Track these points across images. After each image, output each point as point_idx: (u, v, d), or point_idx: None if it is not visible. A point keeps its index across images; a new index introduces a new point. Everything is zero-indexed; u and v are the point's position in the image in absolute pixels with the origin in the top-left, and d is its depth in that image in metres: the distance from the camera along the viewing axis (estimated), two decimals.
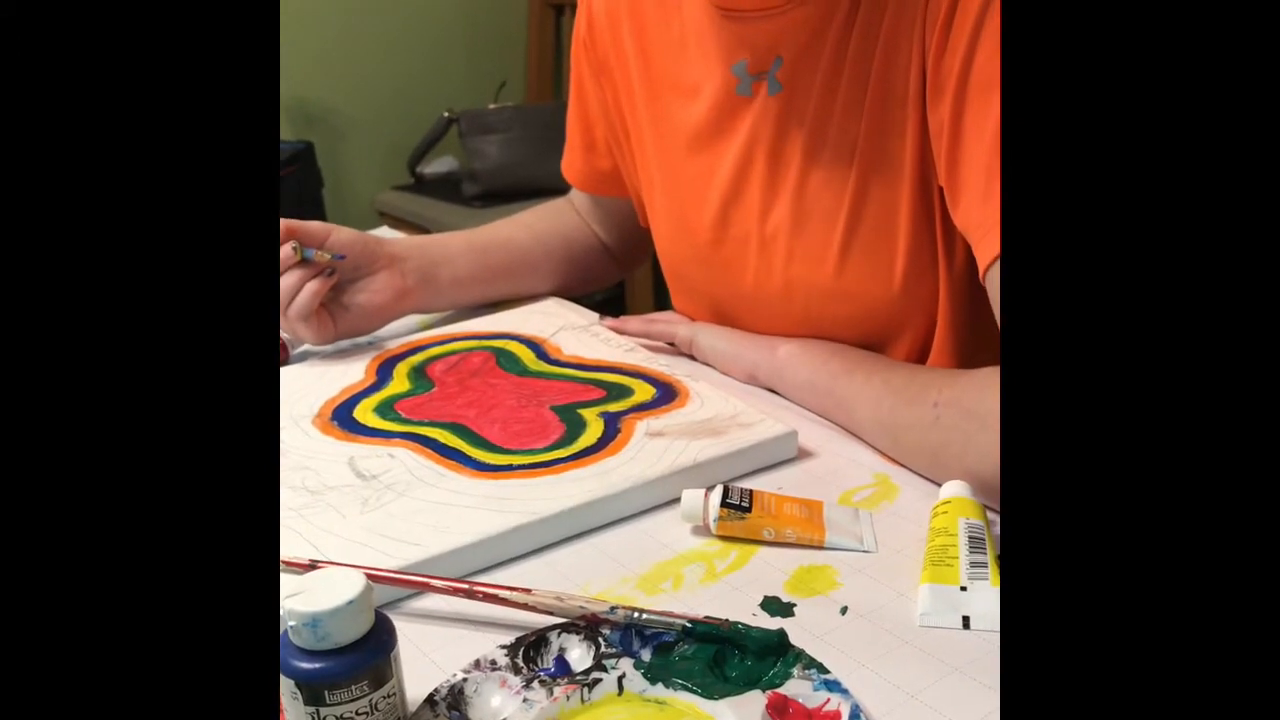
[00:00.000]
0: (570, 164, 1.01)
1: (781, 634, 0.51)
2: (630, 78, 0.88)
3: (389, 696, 0.46)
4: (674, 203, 0.87)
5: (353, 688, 0.45)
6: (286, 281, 0.83)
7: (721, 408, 0.73)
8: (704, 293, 0.88)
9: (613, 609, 0.52)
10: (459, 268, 0.94)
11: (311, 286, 0.84)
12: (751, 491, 0.63)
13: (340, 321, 0.88)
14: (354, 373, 0.83)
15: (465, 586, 0.55)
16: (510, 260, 0.98)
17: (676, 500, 0.63)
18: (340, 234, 0.87)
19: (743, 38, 0.77)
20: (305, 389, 0.80)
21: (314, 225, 0.85)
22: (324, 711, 0.45)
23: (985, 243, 0.65)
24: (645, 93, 0.87)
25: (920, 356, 0.78)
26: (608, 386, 0.78)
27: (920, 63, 0.69)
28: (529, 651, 0.52)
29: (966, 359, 0.76)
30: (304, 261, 0.83)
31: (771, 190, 0.79)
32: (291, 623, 0.45)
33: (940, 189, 0.71)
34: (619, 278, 1.09)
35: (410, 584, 0.56)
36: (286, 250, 0.82)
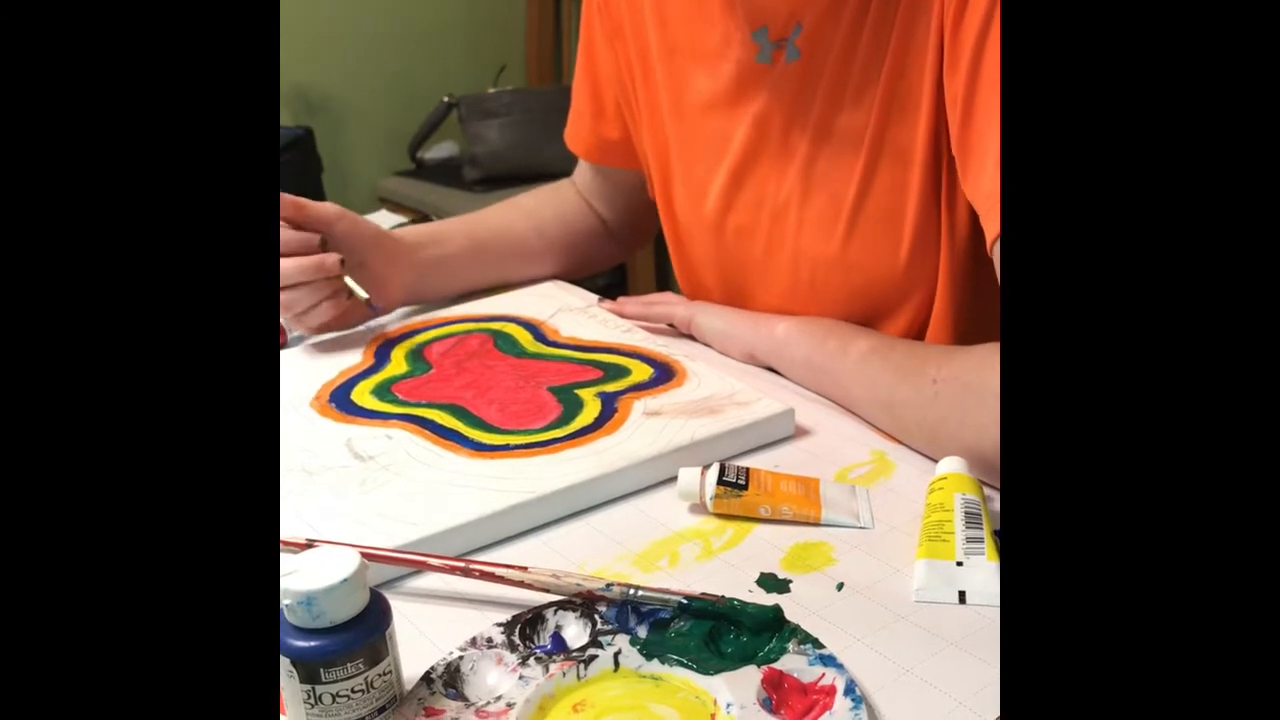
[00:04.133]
0: (575, 132, 1.00)
1: (777, 609, 0.51)
2: (646, 42, 0.87)
3: (385, 674, 0.46)
4: (686, 168, 0.87)
5: (348, 665, 0.45)
6: (303, 295, 0.82)
7: (719, 387, 0.73)
8: (711, 261, 0.88)
9: (609, 586, 0.52)
10: (463, 261, 0.94)
11: (326, 307, 0.84)
12: (748, 469, 0.63)
13: (348, 312, 0.87)
14: (352, 355, 0.83)
15: (462, 565, 0.55)
16: (509, 250, 0.98)
17: (673, 479, 0.63)
18: (357, 224, 0.86)
19: (766, 4, 0.77)
20: (303, 372, 0.80)
21: (324, 207, 0.85)
22: (320, 689, 0.45)
23: (994, 215, 0.64)
24: (662, 57, 0.86)
25: (919, 332, 0.78)
26: (605, 367, 0.78)
27: (939, 33, 0.69)
28: (525, 629, 0.52)
29: (966, 334, 0.76)
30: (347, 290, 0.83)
31: (785, 158, 0.79)
32: (286, 601, 0.45)
33: (951, 161, 0.71)
34: (619, 259, 1.09)
35: (407, 563, 0.56)
36: (332, 261, 0.82)
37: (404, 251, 0.90)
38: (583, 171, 1.04)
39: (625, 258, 1.10)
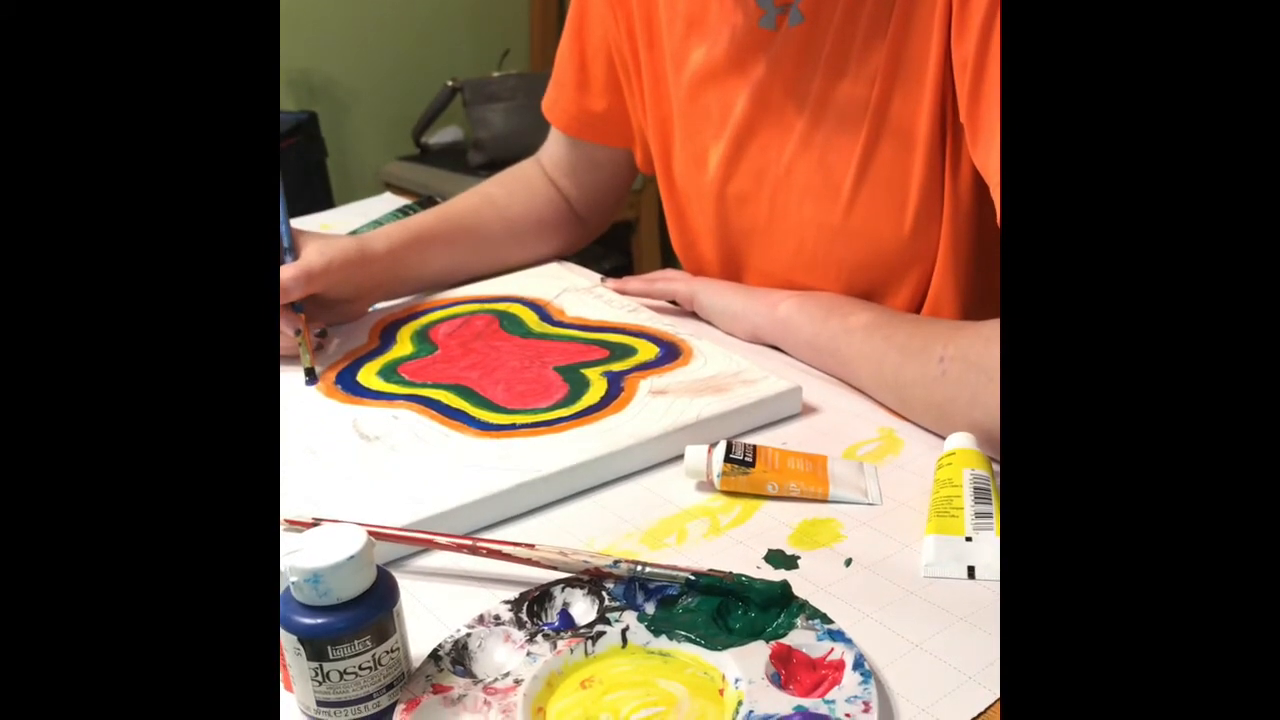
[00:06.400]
0: (556, 103, 0.98)
1: (785, 585, 0.51)
2: (653, 8, 0.87)
3: (392, 651, 0.46)
4: (688, 136, 0.86)
5: (355, 643, 0.45)
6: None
7: (725, 365, 0.73)
8: (711, 231, 0.87)
9: (616, 563, 0.52)
10: (433, 266, 0.92)
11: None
12: (755, 447, 0.62)
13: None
14: (357, 337, 0.83)
15: (469, 543, 0.55)
16: (478, 248, 0.95)
17: (680, 457, 0.63)
18: (313, 260, 0.80)
19: None
20: None
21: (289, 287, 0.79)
22: (327, 667, 0.45)
23: None
24: (666, 25, 0.86)
25: (922, 302, 0.78)
26: (611, 346, 0.78)
27: (946, 1, 0.68)
28: (533, 606, 0.52)
29: (969, 305, 0.76)
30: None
31: (786, 127, 0.79)
32: (293, 579, 0.45)
33: (956, 133, 0.70)
34: (584, 243, 1.05)
35: (415, 541, 0.56)
36: (290, 335, 0.78)
37: (367, 261, 0.86)
38: (555, 145, 1.01)
39: (588, 241, 1.06)
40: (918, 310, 0.78)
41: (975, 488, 0.57)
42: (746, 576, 0.51)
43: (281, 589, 0.46)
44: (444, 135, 2.52)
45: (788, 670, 0.47)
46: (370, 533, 0.47)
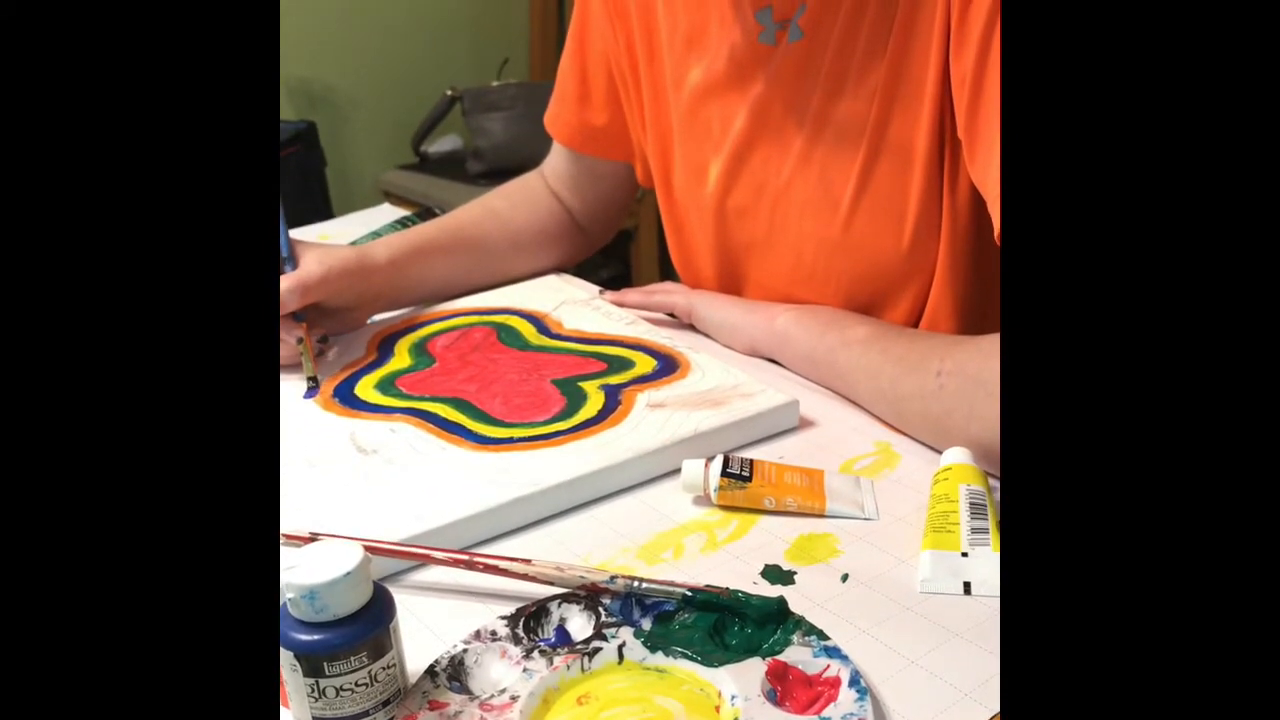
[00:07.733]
0: (558, 117, 0.98)
1: (781, 601, 0.51)
2: (652, 22, 0.87)
3: (389, 667, 0.46)
4: (688, 151, 0.86)
5: (352, 659, 0.45)
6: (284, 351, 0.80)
7: (722, 378, 0.73)
8: (710, 245, 0.87)
9: (613, 578, 0.52)
10: (435, 276, 0.92)
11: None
12: (752, 461, 0.62)
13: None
14: (355, 349, 0.83)
15: (465, 558, 0.55)
16: (481, 260, 0.95)
17: (677, 471, 0.63)
18: (311, 270, 0.80)
19: None
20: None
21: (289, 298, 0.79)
22: (324, 683, 0.45)
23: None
24: (666, 40, 0.86)
25: (920, 316, 0.78)
26: (608, 359, 0.78)
27: (945, 17, 0.68)
28: (529, 622, 0.52)
29: (967, 319, 0.76)
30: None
31: (785, 143, 0.79)
32: (290, 595, 0.45)
33: (955, 149, 0.70)
34: (586, 255, 1.05)
35: (411, 556, 0.56)
36: (291, 343, 0.78)
37: (367, 271, 0.86)
38: (557, 159, 1.01)
39: (590, 253, 1.06)
40: (916, 324, 0.78)
41: (971, 503, 0.57)
42: (743, 592, 0.51)
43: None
44: (443, 144, 2.53)
45: (784, 687, 0.47)
46: (366, 547, 0.47)
